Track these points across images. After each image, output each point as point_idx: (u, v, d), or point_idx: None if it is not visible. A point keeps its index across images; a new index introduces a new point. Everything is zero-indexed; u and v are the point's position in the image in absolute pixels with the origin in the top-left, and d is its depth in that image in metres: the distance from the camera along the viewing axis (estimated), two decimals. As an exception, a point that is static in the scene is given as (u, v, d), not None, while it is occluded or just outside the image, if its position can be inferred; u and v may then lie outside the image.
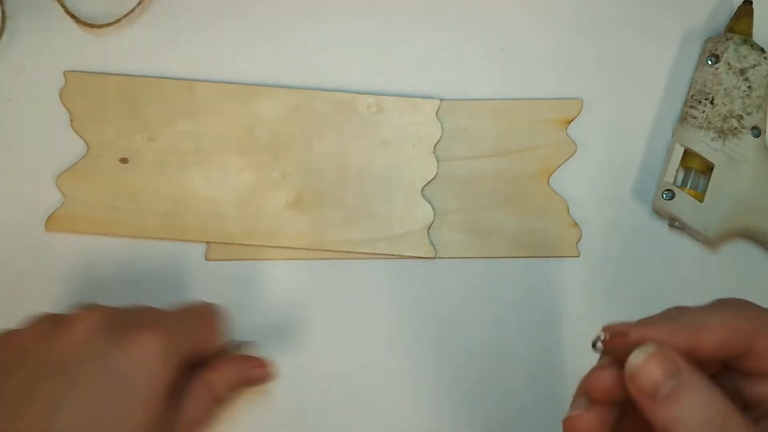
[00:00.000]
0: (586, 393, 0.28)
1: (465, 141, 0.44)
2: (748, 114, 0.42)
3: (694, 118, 0.43)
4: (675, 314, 0.28)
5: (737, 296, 0.44)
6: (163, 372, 0.34)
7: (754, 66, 0.42)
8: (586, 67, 0.45)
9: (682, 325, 0.27)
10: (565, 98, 0.44)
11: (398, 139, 0.44)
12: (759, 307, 0.28)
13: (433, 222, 0.44)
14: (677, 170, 0.43)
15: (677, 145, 0.43)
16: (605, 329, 0.27)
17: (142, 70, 0.44)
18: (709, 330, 0.27)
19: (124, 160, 0.44)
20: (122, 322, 0.35)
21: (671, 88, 0.45)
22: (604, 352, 0.27)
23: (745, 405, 0.28)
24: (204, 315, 0.38)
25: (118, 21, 0.44)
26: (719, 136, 0.42)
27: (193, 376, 0.37)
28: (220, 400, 0.38)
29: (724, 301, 0.29)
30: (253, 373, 0.40)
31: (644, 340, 0.26)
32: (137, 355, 0.34)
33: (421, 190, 0.44)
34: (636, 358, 0.25)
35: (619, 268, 0.44)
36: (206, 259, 0.44)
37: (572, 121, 0.44)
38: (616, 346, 0.26)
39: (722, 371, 0.28)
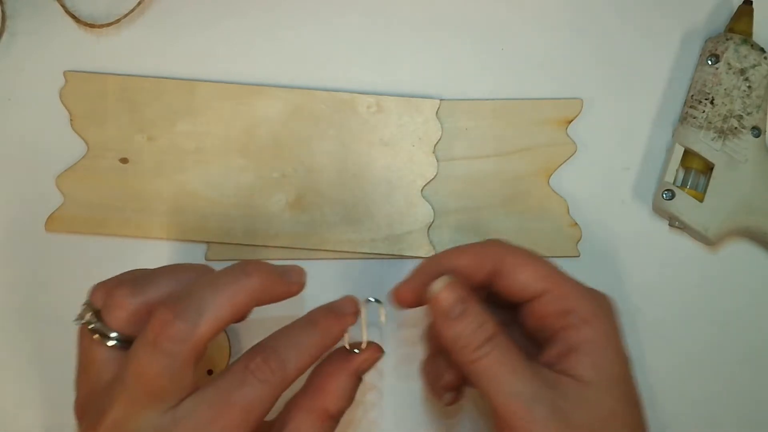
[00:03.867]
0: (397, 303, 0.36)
1: (465, 141, 0.44)
2: (748, 114, 0.42)
3: (694, 118, 0.43)
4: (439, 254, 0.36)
5: (737, 296, 0.44)
6: None
7: (754, 66, 0.42)
8: (586, 67, 0.45)
9: (440, 255, 0.36)
10: (565, 98, 0.44)
11: (398, 139, 0.44)
12: (509, 242, 0.36)
13: (433, 222, 0.44)
14: (677, 170, 0.43)
15: (677, 145, 0.43)
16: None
17: (142, 70, 0.44)
18: (461, 254, 0.35)
19: (124, 160, 0.44)
20: None
21: (671, 88, 0.45)
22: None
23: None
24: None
25: (118, 21, 0.44)
26: (719, 136, 0.42)
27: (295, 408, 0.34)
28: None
29: (483, 241, 0.37)
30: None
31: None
32: None
33: (421, 190, 0.44)
34: (436, 287, 0.33)
35: (619, 268, 0.44)
36: (206, 259, 0.44)
37: (572, 121, 0.44)
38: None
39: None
